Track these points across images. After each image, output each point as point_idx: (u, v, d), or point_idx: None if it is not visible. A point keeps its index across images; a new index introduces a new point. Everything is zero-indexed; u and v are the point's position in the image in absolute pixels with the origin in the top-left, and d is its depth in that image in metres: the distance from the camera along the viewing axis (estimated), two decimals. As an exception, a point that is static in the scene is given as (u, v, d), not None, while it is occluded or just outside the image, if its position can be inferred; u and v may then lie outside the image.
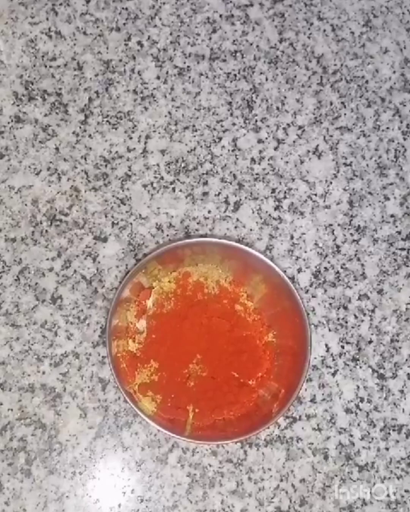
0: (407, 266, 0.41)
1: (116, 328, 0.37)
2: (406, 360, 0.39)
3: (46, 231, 0.39)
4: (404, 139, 0.42)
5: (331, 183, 0.41)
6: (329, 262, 0.40)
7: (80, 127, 0.40)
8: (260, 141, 0.41)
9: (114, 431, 0.37)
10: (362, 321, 0.40)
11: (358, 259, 0.40)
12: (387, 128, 0.42)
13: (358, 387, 0.39)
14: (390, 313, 0.40)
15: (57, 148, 0.40)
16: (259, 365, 0.38)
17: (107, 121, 0.40)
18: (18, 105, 0.40)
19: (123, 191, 0.40)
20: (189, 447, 0.37)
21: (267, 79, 0.42)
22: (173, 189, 0.40)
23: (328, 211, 0.41)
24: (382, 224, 0.41)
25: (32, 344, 0.38)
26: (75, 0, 0.42)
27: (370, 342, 0.39)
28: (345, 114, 0.42)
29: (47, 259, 0.39)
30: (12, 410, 0.37)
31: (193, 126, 0.41)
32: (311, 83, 0.42)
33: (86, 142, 0.40)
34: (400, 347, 0.39)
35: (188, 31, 0.42)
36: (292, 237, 0.40)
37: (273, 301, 0.38)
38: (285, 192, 0.41)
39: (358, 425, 0.38)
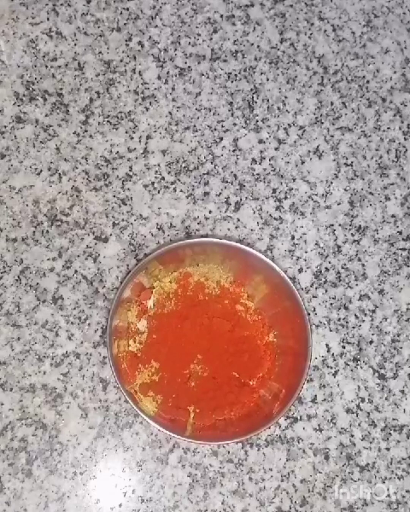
0: (408, 266, 0.41)
1: (117, 328, 0.37)
2: (407, 360, 0.39)
3: (47, 231, 0.39)
4: (405, 139, 0.42)
5: (331, 183, 0.41)
6: (329, 262, 0.40)
7: (81, 127, 0.40)
8: (260, 141, 0.41)
9: (115, 431, 0.37)
10: (363, 321, 0.40)
11: (359, 259, 0.40)
12: (388, 128, 0.42)
13: (359, 387, 0.39)
14: (391, 313, 0.40)
15: (58, 148, 0.40)
16: (259, 365, 0.38)
17: (108, 121, 0.40)
18: (19, 105, 0.40)
19: (124, 191, 0.40)
20: (190, 447, 0.37)
21: (267, 79, 0.42)
22: (174, 189, 0.40)
23: (329, 211, 0.41)
24: (383, 224, 0.41)
25: (33, 344, 0.38)
26: (76, 0, 0.42)
27: (371, 342, 0.39)
28: (345, 114, 0.42)
29: (48, 259, 0.39)
30: (13, 410, 0.37)
31: (194, 126, 0.41)
32: (311, 83, 0.42)
33: (87, 142, 0.40)
34: (401, 347, 0.39)
35: (189, 31, 0.42)
36: (292, 237, 0.40)
37: (273, 301, 0.38)
38: (286, 192, 0.41)
39: (359, 425, 0.38)
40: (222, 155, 0.41)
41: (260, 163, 0.41)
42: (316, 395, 0.39)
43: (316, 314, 0.40)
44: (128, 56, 0.41)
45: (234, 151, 0.41)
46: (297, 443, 0.38)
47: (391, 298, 0.40)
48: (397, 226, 0.41)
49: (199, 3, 0.42)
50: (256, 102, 0.41)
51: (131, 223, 0.40)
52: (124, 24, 0.42)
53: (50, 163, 0.40)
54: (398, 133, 0.42)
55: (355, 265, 0.40)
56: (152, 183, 0.40)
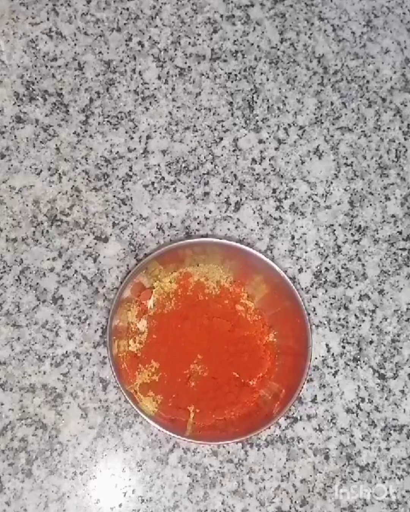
0: (408, 266, 0.41)
1: (117, 328, 0.37)
2: (407, 360, 0.39)
3: (47, 231, 0.39)
4: (405, 139, 0.42)
5: (331, 183, 0.41)
6: (329, 262, 0.40)
7: (81, 127, 0.40)
8: (260, 141, 0.41)
9: (115, 431, 0.37)
10: (363, 321, 0.40)
11: (359, 259, 0.40)
12: (388, 128, 0.42)
13: (359, 387, 0.39)
14: (391, 313, 0.40)
15: (58, 148, 0.40)
16: (259, 365, 0.38)
17: (108, 121, 0.40)
18: (19, 105, 0.40)
19: (124, 191, 0.40)
20: (190, 447, 0.37)
21: (267, 79, 0.42)
22: (174, 189, 0.40)
23: (329, 211, 0.41)
24: (383, 224, 0.41)
25: (33, 344, 0.38)
26: (76, 0, 0.42)
27: (371, 342, 0.39)
28: (345, 114, 0.42)
29: (48, 259, 0.39)
30: (13, 410, 0.37)
31: (194, 126, 0.41)
32: (311, 83, 0.42)
33: (87, 142, 0.40)
34: (401, 347, 0.39)
35: (189, 31, 0.42)
36: (292, 237, 0.40)
37: (273, 301, 0.38)
38: (286, 192, 0.41)
39: (359, 425, 0.38)
40: (222, 155, 0.41)
41: (260, 163, 0.41)
42: (316, 395, 0.39)
43: (316, 314, 0.40)
44: (128, 56, 0.41)
45: (234, 151, 0.41)
46: (297, 443, 0.38)
47: (391, 298, 0.40)
48: (397, 226, 0.41)
49: (199, 3, 0.42)
50: (256, 102, 0.41)
51: (131, 223, 0.40)
52: (124, 24, 0.42)
53: (50, 163, 0.40)
54: (398, 133, 0.42)
55: (355, 265, 0.40)
56: (152, 183, 0.40)
